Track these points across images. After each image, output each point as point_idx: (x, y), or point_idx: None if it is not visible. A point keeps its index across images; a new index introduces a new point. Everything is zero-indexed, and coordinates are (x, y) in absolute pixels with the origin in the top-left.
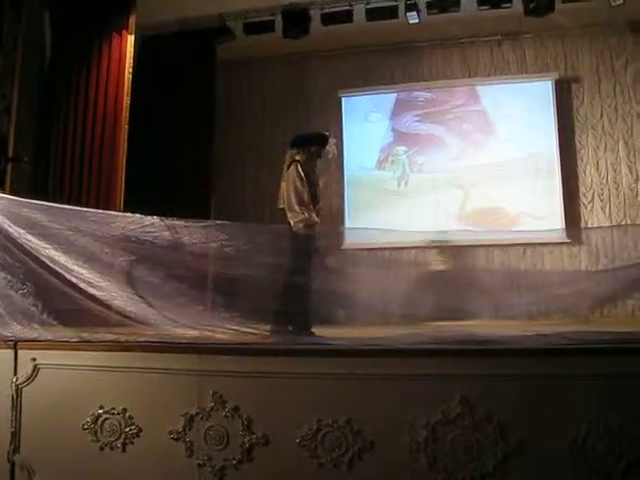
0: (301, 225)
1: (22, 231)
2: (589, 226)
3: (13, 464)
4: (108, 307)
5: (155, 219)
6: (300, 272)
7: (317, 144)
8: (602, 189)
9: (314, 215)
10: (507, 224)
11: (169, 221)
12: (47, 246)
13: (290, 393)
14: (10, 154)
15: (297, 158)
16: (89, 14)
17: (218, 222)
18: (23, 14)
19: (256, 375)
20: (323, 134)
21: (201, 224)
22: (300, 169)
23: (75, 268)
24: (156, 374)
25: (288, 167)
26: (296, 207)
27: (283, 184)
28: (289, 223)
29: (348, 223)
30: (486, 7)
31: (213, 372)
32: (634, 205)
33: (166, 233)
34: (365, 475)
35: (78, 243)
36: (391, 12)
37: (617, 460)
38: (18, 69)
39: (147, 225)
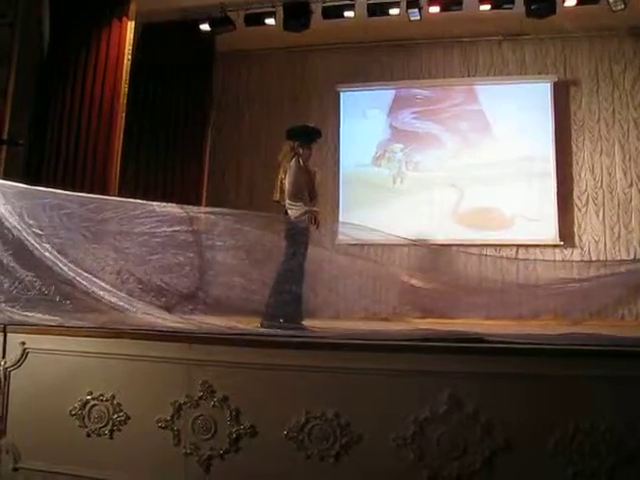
0: (305, 217)
1: (13, 215)
2: (582, 229)
3: None
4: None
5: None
6: (295, 264)
7: (315, 139)
8: (596, 193)
9: (314, 209)
10: (501, 225)
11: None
12: (39, 231)
13: (279, 385)
14: (5, 137)
15: (300, 152)
16: None
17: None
18: None
19: (246, 366)
20: (318, 128)
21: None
22: (302, 163)
23: (62, 256)
24: (146, 362)
25: (291, 159)
26: (296, 200)
27: (280, 176)
28: (286, 214)
29: (342, 219)
30: (488, 7)
31: (203, 361)
32: (628, 210)
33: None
34: (351, 469)
35: (70, 229)
36: (392, 8)
37: (603, 461)
38: (15, 53)
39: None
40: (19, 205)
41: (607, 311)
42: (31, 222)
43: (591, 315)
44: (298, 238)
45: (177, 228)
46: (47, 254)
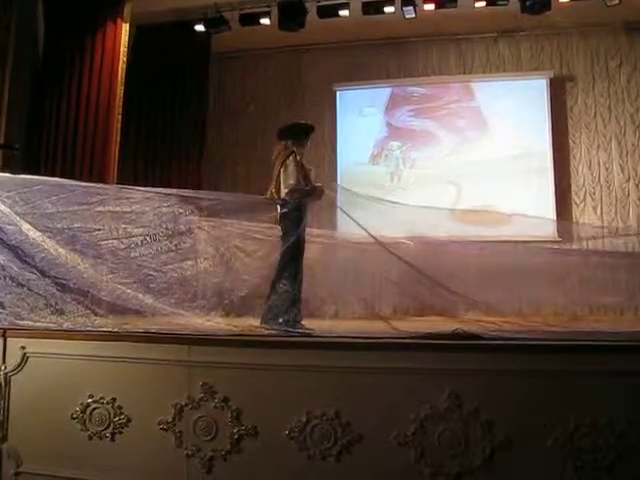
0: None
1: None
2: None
3: (0, 452)
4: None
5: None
6: (293, 263)
7: (308, 135)
8: (594, 188)
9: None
10: (499, 221)
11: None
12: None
13: (280, 385)
14: (1, 141)
15: (294, 150)
16: (83, 1)
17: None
18: (15, 0)
19: (246, 367)
20: (310, 124)
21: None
22: (299, 161)
23: (64, 252)
24: (146, 364)
25: (285, 158)
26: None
27: (275, 174)
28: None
29: (339, 217)
30: (482, 3)
31: (203, 363)
32: (625, 205)
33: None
34: (353, 468)
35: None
36: (387, 6)
37: (603, 457)
38: (10, 56)
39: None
40: (15, 198)
41: (606, 306)
42: (30, 218)
43: (591, 310)
44: (295, 220)
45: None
46: (49, 251)
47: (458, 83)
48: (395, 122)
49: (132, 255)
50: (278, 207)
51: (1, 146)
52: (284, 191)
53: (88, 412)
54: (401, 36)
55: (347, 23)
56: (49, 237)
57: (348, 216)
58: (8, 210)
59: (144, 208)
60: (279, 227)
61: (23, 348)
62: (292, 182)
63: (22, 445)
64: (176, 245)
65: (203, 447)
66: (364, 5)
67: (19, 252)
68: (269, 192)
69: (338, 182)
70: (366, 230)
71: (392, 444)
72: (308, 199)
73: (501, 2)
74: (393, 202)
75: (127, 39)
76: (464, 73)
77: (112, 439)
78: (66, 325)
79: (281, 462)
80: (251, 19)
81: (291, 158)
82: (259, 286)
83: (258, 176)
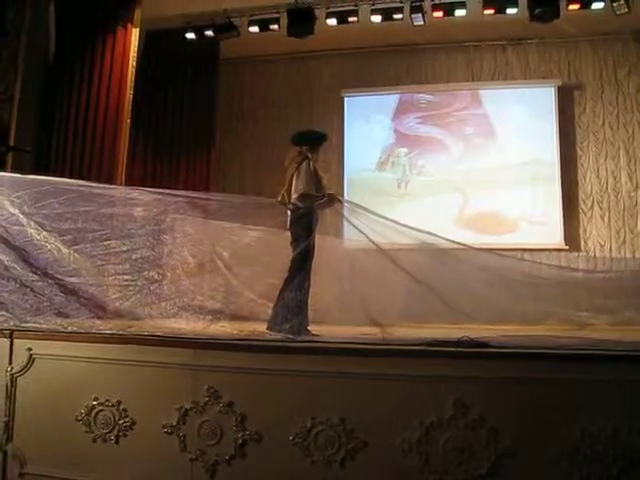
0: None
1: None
2: (587, 233)
3: (5, 453)
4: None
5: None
6: (302, 269)
7: (321, 143)
8: (602, 197)
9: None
10: (506, 229)
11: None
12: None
13: (285, 390)
14: (11, 143)
15: (309, 156)
16: (94, 6)
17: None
18: (27, 4)
19: (252, 371)
20: (324, 133)
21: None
22: (312, 167)
23: (68, 253)
24: (152, 367)
25: (299, 163)
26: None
27: (288, 179)
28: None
29: (346, 223)
30: (491, 11)
31: (209, 367)
32: (633, 214)
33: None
34: (357, 474)
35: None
36: (396, 13)
37: (609, 466)
38: (21, 59)
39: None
40: (24, 198)
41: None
42: (38, 218)
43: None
44: (305, 226)
45: None
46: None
47: (466, 90)
48: (403, 129)
49: (134, 257)
50: (289, 212)
51: (12, 148)
52: (294, 196)
53: (93, 414)
54: (409, 43)
55: (356, 30)
56: (55, 238)
57: (357, 229)
58: (16, 211)
59: (151, 210)
60: (289, 233)
61: (30, 350)
62: (302, 187)
63: (27, 446)
64: (180, 248)
65: (207, 451)
66: (373, 12)
67: (24, 253)
68: (281, 195)
69: (345, 188)
70: (374, 242)
71: (397, 451)
72: (318, 206)
73: (510, 10)
74: (395, 221)
75: (137, 44)
76: (472, 80)
77: (116, 442)
78: (71, 328)
79: (285, 467)
80: (260, 25)
81: (305, 164)
82: (266, 291)
83: (267, 180)
